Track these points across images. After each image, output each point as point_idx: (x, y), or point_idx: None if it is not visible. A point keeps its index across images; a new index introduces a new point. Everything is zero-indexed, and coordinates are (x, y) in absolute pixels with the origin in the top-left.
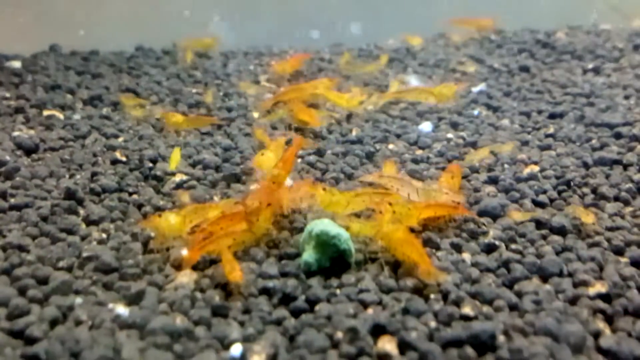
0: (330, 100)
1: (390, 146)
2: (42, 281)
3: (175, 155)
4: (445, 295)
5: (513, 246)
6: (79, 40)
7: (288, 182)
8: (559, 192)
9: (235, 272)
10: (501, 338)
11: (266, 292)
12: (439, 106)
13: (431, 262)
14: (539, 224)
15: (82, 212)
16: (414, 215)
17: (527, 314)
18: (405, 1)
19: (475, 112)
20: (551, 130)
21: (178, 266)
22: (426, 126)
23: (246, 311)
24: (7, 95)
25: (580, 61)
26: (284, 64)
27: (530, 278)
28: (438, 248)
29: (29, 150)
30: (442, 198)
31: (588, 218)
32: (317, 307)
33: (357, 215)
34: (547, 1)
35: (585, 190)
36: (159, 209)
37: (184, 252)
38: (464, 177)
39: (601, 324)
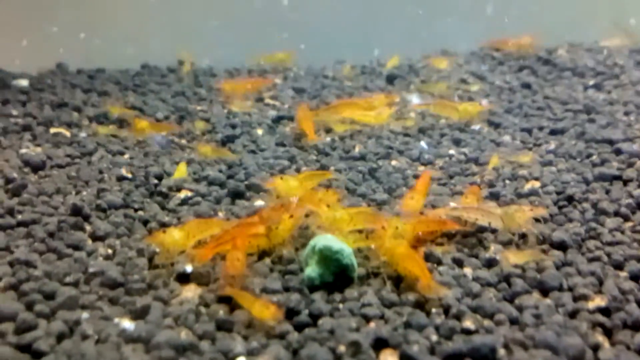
0: (356, 119)
1: (393, 162)
2: (49, 296)
3: (182, 168)
4: (446, 310)
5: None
6: (85, 59)
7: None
8: (560, 208)
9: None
10: (502, 351)
11: None
12: (441, 123)
13: (432, 277)
14: (540, 238)
15: (88, 228)
16: (408, 230)
17: (527, 327)
18: (405, 19)
19: (477, 128)
20: (552, 146)
21: (182, 279)
22: (424, 143)
23: (250, 325)
24: (15, 113)
25: (581, 78)
26: (233, 83)
27: (530, 292)
28: (440, 263)
29: (36, 167)
30: (526, 216)
31: None
32: (320, 321)
33: (360, 232)
34: (548, 18)
35: (586, 205)
36: (164, 225)
37: (188, 268)
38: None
39: (600, 338)
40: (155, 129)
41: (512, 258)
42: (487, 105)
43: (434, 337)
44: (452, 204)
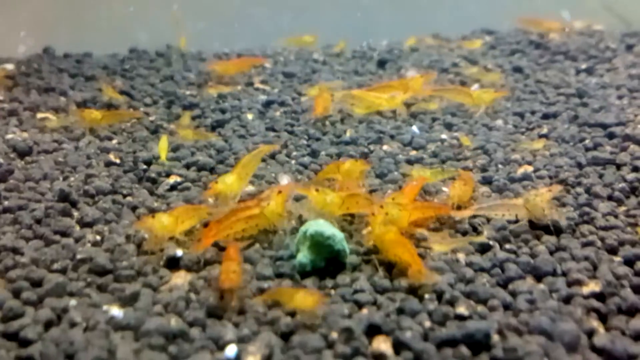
0: (368, 102)
1: (385, 147)
2: (37, 283)
3: (163, 144)
4: (439, 295)
5: (507, 246)
6: (72, 43)
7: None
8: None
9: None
10: (496, 337)
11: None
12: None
13: (423, 263)
14: (533, 223)
15: (76, 214)
16: (404, 217)
17: (521, 313)
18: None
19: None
20: (545, 130)
21: (172, 265)
22: (416, 128)
23: (241, 312)
24: (1, 98)
25: (574, 62)
26: (225, 64)
27: (524, 277)
28: (432, 248)
29: (23, 153)
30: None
31: None
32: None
33: (352, 216)
34: (540, 2)
35: (579, 189)
36: (153, 211)
37: (179, 253)
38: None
39: (595, 323)
40: (110, 119)
41: (437, 247)
42: (501, 92)
43: (427, 323)
44: (477, 205)
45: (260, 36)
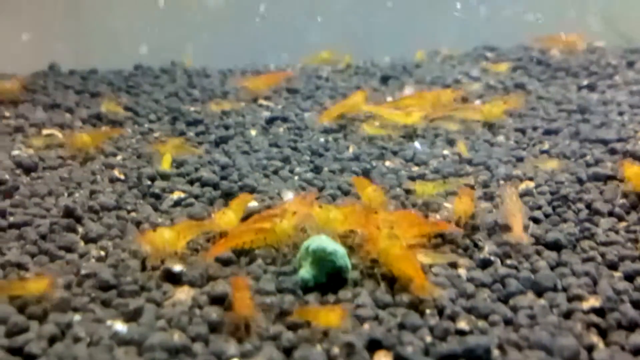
0: (385, 118)
1: (387, 163)
2: (41, 298)
3: (167, 157)
4: (440, 310)
5: (508, 261)
6: (78, 60)
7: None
8: (554, 208)
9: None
10: (496, 352)
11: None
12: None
13: (426, 278)
14: (534, 239)
15: (80, 230)
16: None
17: (521, 328)
18: (398, 19)
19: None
20: (546, 146)
21: (174, 281)
22: (418, 144)
23: (244, 327)
24: (7, 114)
25: (575, 78)
26: (256, 80)
27: (525, 293)
28: (433, 264)
29: (28, 169)
30: None
31: None
32: (313, 323)
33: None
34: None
35: (580, 205)
36: (157, 226)
37: (177, 268)
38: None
39: (595, 338)
40: (99, 139)
41: (423, 259)
42: (510, 104)
43: (428, 338)
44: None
45: (261, 52)
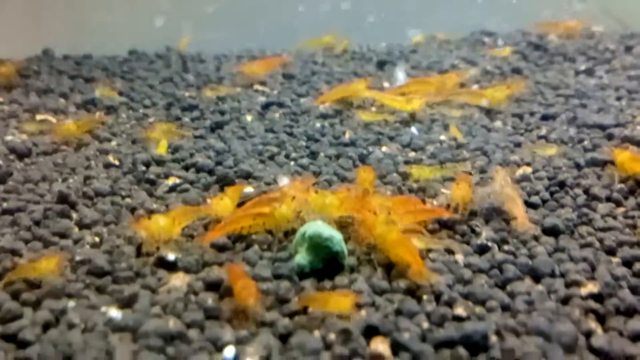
0: (386, 104)
1: (384, 149)
2: (35, 285)
3: (163, 142)
4: (437, 296)
5: (505, 247)
6: (72, 45)
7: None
8: (552, 193)
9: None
10: (493, 338)
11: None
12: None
13: (423, 263)
14: (532, 224)
15: (75, 215)
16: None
17: (519, 314)
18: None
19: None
20: (543, 131)
21: (169, 267)
22: (414, 129)
23: (240, 314)
24: (0, 99)
25: (573, 63)
26: (252, 65)
27: (522, 279)
28: (431, 250)
29: (22, 155)
30: None
31: None
32: (309, 309)
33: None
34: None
35: (578, 191)
36: (152, 212)
37: (171, 257)
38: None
39: (593, 324)
40: (84, 128)
41: (420, 244)
42: (512, 88)
43: (425, 324)
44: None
45: (258, 37)
